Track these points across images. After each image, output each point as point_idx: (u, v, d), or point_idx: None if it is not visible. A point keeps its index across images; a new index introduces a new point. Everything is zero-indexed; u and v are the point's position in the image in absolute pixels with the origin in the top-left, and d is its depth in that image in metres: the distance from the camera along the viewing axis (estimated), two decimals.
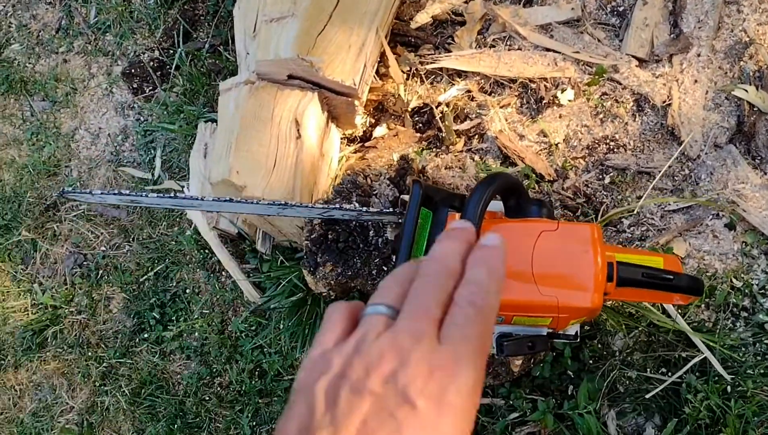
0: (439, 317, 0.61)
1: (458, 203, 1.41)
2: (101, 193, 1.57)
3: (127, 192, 1.54)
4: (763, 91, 2.03)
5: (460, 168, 2.02)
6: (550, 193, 2.03)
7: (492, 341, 0.63)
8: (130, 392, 2.15)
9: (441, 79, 2.24)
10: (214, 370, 2.13)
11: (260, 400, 2.07)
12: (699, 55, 2.11)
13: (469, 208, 1.30)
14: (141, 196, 1.56)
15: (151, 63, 2.53)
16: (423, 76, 2.25)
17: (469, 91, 2.20)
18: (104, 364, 2.19)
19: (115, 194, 1.57)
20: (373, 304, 0.63)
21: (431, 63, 2.23)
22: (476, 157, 2.08)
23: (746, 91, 2.04)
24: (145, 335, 2.20)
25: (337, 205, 1.55)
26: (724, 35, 2.14)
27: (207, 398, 2.11)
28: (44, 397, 2.21)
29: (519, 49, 2.23)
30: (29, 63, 2.70)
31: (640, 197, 2.01)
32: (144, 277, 2.27)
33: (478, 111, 2.16)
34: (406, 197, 1.65)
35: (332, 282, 1.72)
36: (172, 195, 1.54)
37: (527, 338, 1.43)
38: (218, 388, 2.12)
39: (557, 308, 1.34)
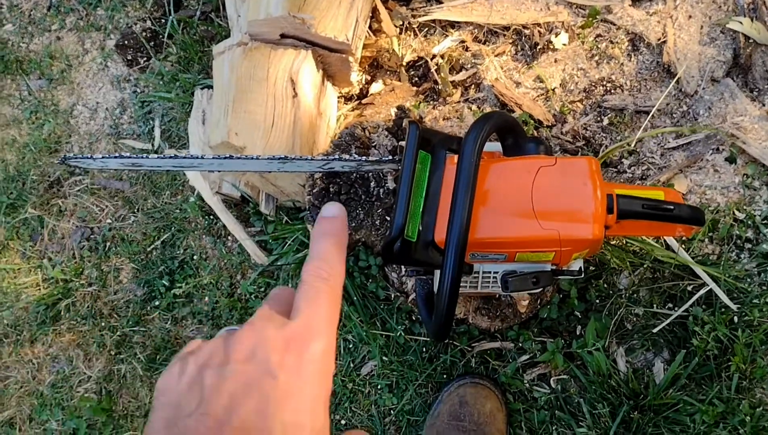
0: (291, 297, 0.67)
1: (455, 145, 1.41)
2: (102, 158, 1.58)
3: (128, 155, 1.56)
4: (758, 22, 2.02)
5: (458, 118, 2.02)
6: (549, 138, 2.03)
7: (342, 308, 0.68)
8: (146, 359, 2.18)
9: (434, 32, 2.24)
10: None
11: None
12: None
13: (467, 148, 1.31)
14: (141, 158, 1.58)
15: (144, 33, 2.53)
16: (416, 29, 2.24)
17: (462, 41, 2.19)
18: (118, 333, 2.22)
19: (116, 158, 1.58)
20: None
21: (423, 15, 2.23)
22: (473, 107, 2.08)
23: (741, 23, 2.03)
24: (156, 303, 2.23)
25: (337, 157, 1.56)
26: None
27: None
28: (62, 369, 2.24)
29: None
30: (23, 42, 2.70)
31: (639, 138, 2.01)
32: (151, 247, 2.29)
33: (473, 61, 2.16)
34: (405, 144, 1.66)
35: None
36: (172, 156, 1.55)
37: (531, 274, 1.44)
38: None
39: (559, 241, 1.35)
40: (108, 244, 2.34)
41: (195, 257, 2.25)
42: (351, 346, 2.02)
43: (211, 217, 2.25)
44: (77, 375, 2.23)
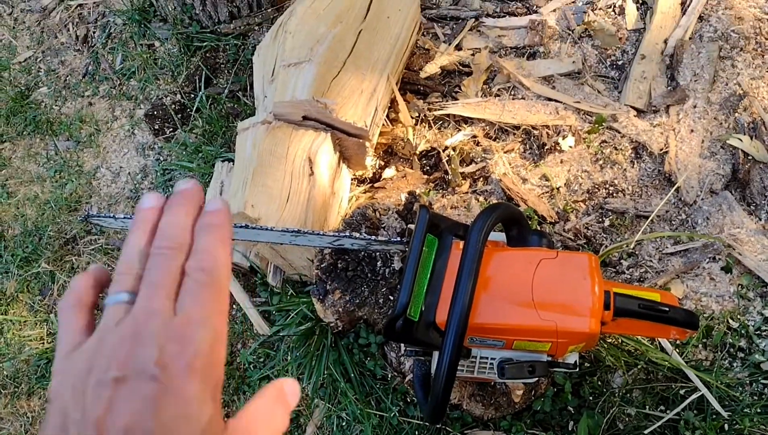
0: (174, 291, 0.64)
1: (462, 232, 1.48)
2: (124, 218, 1.66)
3: None
4: (757, 140, 2.13)
5: (465, 208, 2.11)
6: (552, 234, 2.11)
7: (228, 302, 0.68)
8: None
9: (448, 125, 2.35)
10: (223, 400, 2.17)
11: None
12: (695, 107, 2.22)
13: (473, 235, 1.38)
14: None
15: (173, 106, 2.66)
16: (431, 121, 2.36)
17: (474, 136, 2.30)
18: None
19: None
20: (113, 294, 0.65)
21: (439, 110, 2.35)
22: (481, 199, 2.17)
23: (741, 140, 2.13)
24: None
25: (347, 234, 1.63)
26: (719, 88, 2.25)
27: None
28: None
29: (522, 98, 2.34)
30: (56, 105, 2.83)
31: (639, 241, 2.09)
32: None
33: (483, 155, 2.26)
34: (414, 226, 1.73)
35: (340, 310, 1.79)
36: None
37: (528, 363, 1.48)
38: (226, 419, 2.16)
39: (556, 333, 1.40)
40: None
41: None
42: (344, 423, 2.04)
43: None
44: None
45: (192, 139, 2.56)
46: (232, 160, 2.33)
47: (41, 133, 2.78)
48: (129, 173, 2.62)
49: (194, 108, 2.61)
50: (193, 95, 2.66)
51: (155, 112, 2.67)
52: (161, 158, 2.62)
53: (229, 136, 2.51)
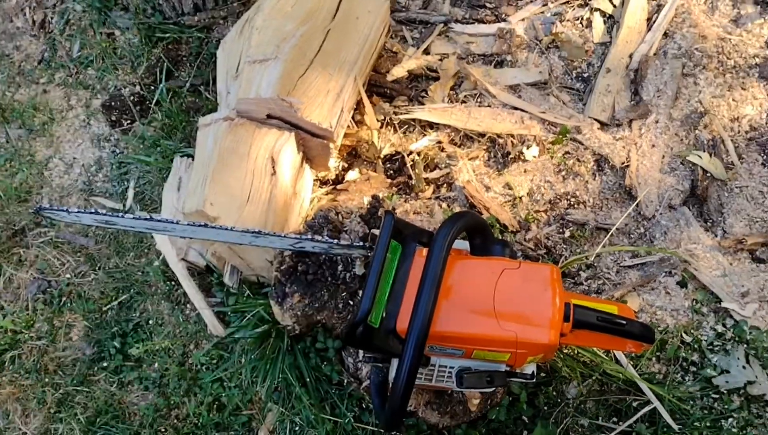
0: None
1: (426, 239, 1.47)
2: (77, 212, 1.60)
3: (103, 211, 1.58)
4: (716, 158, 2.17)
5: (428, 213, 2.09)
6: (513, 243, 2.11)
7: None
8: (85, 420, 2.12)
9: (413, 130, 2.34)
10: (172, 402, 2.12)
11: (216, 434, 2.07)
12: (657, 122, 2.25)
13: (437, 243, 1.37)
14: (116, 217, 1.60)
15: (132, 97, 2.59)
16: (396, 125, 2.34)
17: (439, 142, 2.29)
18: (61, 391, 2.17)
19: (90, 213, 1.60)
20: None
21: (405, 114, 2.33)
22: (444, 205, 2.16)
23: (700, 157, 2.17)
24: (104, 364, 2.19)
25: (309, 237, 1.60)
26: (681, 105, 2.28)
27: (163, 430, 2.10)
28: None
29: (489, 106, 2.34)
30: (9, 91, 2.74)
31: (597, 253, 2.10)
32: (107, 306, 2.27)
33: (447, 161, 2.25)
34: (377, 232, 1.71)
35: (299, 313, 1.76)
36: (147, 217, 1.58)
37: (486, 373, 1.48)
38: (175, 420, 2.11)
39: (516, 343, 1.40)
40: (64, 299, 2.31)
41: (151, 322, 2.23)
42: (297, 428, 2.01)
43: (173, 283, 2.25)
44: (11, 430, 2.15)
45: (150, 133, 2.50)
46: (192, 156, 2.28)
47: None
48: (83, 165, 2.54)
49: (154, 100, 2.55)
50: (153, 87, 2.60)
51: (113, 103, 2.60)
52: (117, 151, 2.55)
53: (189, 130, 2.45)
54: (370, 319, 1.35)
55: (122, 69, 2.68)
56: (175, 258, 2.20)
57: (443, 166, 2.26)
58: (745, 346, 1.95)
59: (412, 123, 2.34)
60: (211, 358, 2.14)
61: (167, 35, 2.64)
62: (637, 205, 2.15)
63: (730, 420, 1.88)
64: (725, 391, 1.91)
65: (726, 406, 1.89)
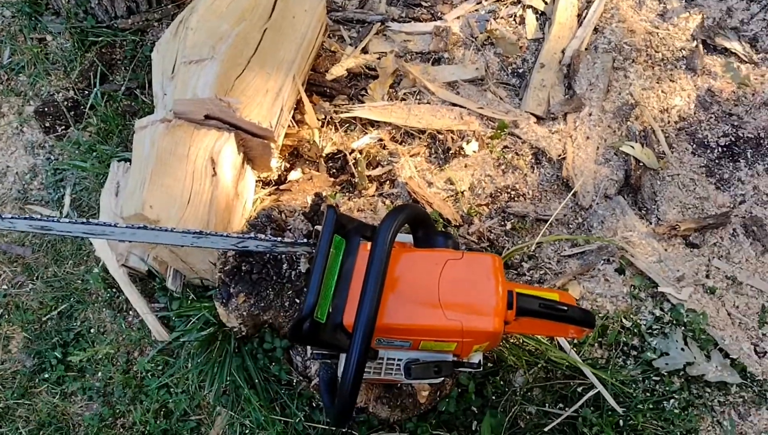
0: None
1: (369, 233, 1.48)
2: (11, 218, 1.55)
3: (38, 217, 1.54)
4: (648, 148, 2.24)
5: (371, 210, 2.10)
6: (457, 237, 2.13)
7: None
8: (27, 434, 2.06)
9: (354, 128, 2.34)
10: (117, 410, 2.07)
11: None
12: (590, 115, 2.31)
13: (380, 236, 1.37)
14: (52, 222, 1.56)
15: (66, 102, 2.52)
16: (337, 124, 2.34)
17: (381, 139, 2.31)
18: (1, 405, 2.10)
19: (25, 219, 1.56)
20: None
21: (345, 112, 2.34)
22: (387, 202, 2.17)
23: (633, 147, 2.23)
24: (46, 375, 2.13)
25: (252, 236, 1.59)
26: (613, 97, 2.35)
27: None
28: None
29: (428, 103, 2.37)
30: None
31: (539, 244, 2.14)
32: (47, 316, 2.21)
33: (389, 159, 2.27)
34: (321, 227, 1.71)
35: (245, 313, 1.74)
36: (84, 221, 1.54)
37: (434, 363, 1.49)
38: (121, 429, 2.06)
39: (462, 332, 1.42)
40: (1, 311, 2.24)
41: (92, 330, 2.18)
42: (248, 431, 1.98)
43: (114, 290, 2.20)
44: None
45: (86, 138, 2.44)
46: (129, 160, 2.24)
47: None
48: (17, 173, 2.47)
49: (88, 105, 2.49)
50: (87, 92, 2.54)
51: (46, 109, 2.53)
52: (52, 157, 2.48)
53: (126, 134, 2.41)
54: (316, 314, 1.35)
55: (55, 74, 2.61)
56: (116, 264, 2.15)
57: (385, 163, 2.27)
58: (683, 328, 2.01)
59: (353, 121, 2.35)
60: (156, 365, 2.10)
61: (100, 39, 2.59)
62: (574, 195, 2.20)
63: (672, 401, 1.94)
64: (666, 373, 1.97)
65: (667, 388, 1.95)
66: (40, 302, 2.24)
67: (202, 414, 2.05)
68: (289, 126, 2.27)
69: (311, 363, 1.81)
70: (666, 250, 2.14)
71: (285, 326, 1.81)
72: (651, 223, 2.18)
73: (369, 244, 1.43)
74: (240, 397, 1.97)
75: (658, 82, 2.37)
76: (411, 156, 2.28)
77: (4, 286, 2.27)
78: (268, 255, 1.76)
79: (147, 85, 2.50)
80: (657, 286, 2.08)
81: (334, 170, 2.31)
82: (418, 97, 2.39)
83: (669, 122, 2.31)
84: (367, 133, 2.33)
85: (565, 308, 1.54)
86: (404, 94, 2.41)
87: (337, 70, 2.43)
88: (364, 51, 2.51)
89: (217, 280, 1.80)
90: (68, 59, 2.61)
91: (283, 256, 1.77)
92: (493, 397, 1.96)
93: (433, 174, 2.26)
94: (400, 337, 1.43)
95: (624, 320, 2.05)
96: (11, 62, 2.68)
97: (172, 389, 2.07)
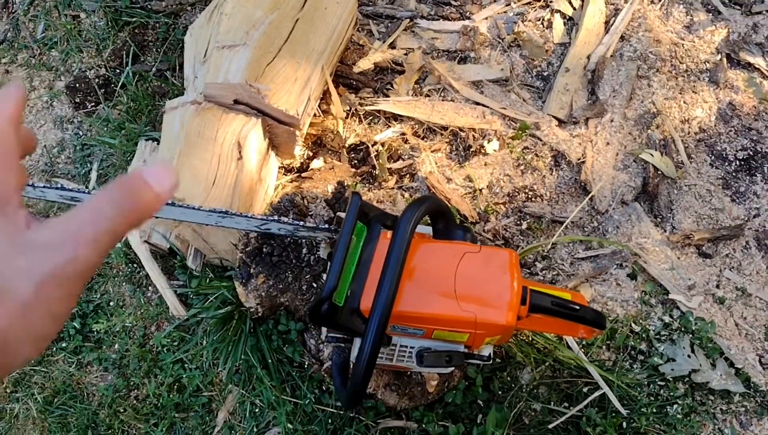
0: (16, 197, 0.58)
1: (390, 222, 1.52)
2: (43, 187, 1.60)
3: (69, 188, 1.58)
4: (667, 157, 2.26)
5: (391, 202, 2.14)
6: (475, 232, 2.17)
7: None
8: (43, 400, 2.12)
9: (378, 121, 2.38)
10: (132, 383, 2.13)
11: (176, 415, 2.08)
12: (612, 121, 2.33)
13: (401, 225, 1.41)
14: (82, 193, 1.60)
15: (97, 80, 2.58)
16: (361, 116, 2.38)
17: (403, 133, 2.34)
18: (18, 371, 2.16)
19: (56, 189, 1.60)
20: None
21: (370, 105, 2.38)
22: (406, 195, 2.21)
23: (652, 155, 2.26)
24: (63, 344, 2.19)
25: (275, 218, 1.63)
26: (635, 105, 2.37)
27: (122, 410, 2.10)
28: None
29: (452, 100, 2.40)
30: None
31: (553, 245, 2.18)
32: None
33: (410, 153, 2.31)
34: (343, 214, 1.75)
35: (263, 294, 1.79)
36: None
37: (445, 353, 1.53)
38: (134, 401, 2.12)
39: (475, 324, 1.46)
40: None
41: (111, 303, 2.23)
42: (257, 410, 2.03)
43: (135, 265, 2.25)
44: None
45: (115, 116, 2.49)
46: (157, 140, 2.29)
47: None
48: (45, 146, 2.53)
49: (119, 84, 2.54)
50: (118, 71, 2.59)
51: (77, 85, 2.59)
52: (81, 133, 2.53)
53: (155, 115, 2.46)
54: (334, 297, 1.39)
55: (87, 51, 2.67)
56: (138, 240, 2.21)
57: (406, 157, 2.31)
58: (691, 336, 2.04)
59: (377, 114, 2.39)
60: (172, 340, 2.15)
61: (134, 19, 2.64)
62: (591, 199, 2.23)
63: (675, 406, 1.97)
64: (671, 379, 2.00)
65: (671, 393, 1.98)
66: None
67: (214, 390, 2.10)
68: (314, 115, 2.31)
69: (324, 346, 1.85)
70: (679, 258, 2.16)
71: (301, 309, 1.85)
72: (665, 231, 2.21)
73: (389, 232, 1.47)
74: (252, 377, 2.02)
75: (680, 93, 2.39)
76: (432, 151, 2.32)
77: None
78: (289, 238, 1.81)
79: (177, 68, 2.55)
80: (668, 293, 2.11)
81: (356, 161, 2.35)
82: (442, 94, 2.43)
83: (689, 133, 2.34)
84: (390, 126, 2.37)
85: (578, 308, 1.57)
86: (429, 90, 2.44)
87: (365, 64, 2.47)
88: (392, 46, 2.55)
89: (238, 260, 1.84)
90: (101, 37, 2.66)
91: (304, 240, 1.81)
92: (500, 392, 1.99)
93: (452, 170, 2.29)
94: (414, 324, 1.47)
95: (633, 325, 2.08)
96: (44, 37, 2.74)
97: (186, 365, 2.12)
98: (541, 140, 2.33)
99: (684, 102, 2.38)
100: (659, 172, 2.25)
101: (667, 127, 2.32)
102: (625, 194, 2.25)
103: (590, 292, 2.13)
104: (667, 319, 2.08)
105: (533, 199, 2.26)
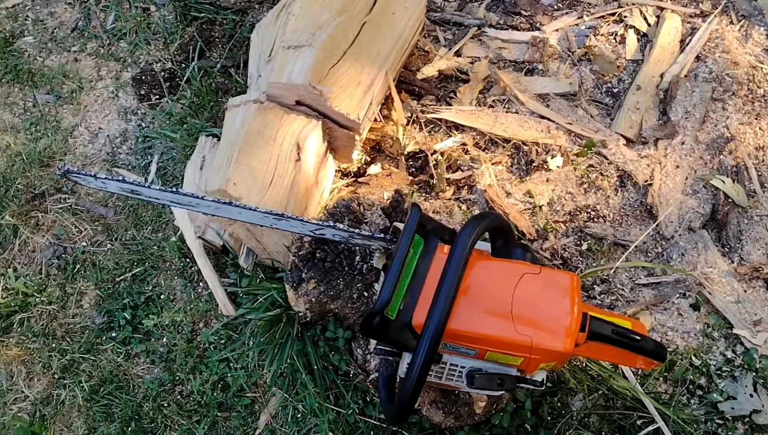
0: None
1: (448, 236, 1.47)
2: (105, 178, 1.61)
3: (130, 180, 1.59)
4: (739, 184, 2.16)
5: (447, 213, 2.10)
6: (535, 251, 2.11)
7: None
8: (89, 389, 2.13)
9: (439, 130, 2.34)
10: (177, 377, 2.13)
11: (219, 414, 2.07)
12: (683, 143, 2.24)
13: (460, 241, 1.37)
14: (142, 187, 1.61)
15: (163, 73, 2.60)
16: (422, 123, 2.34)
17: (464, 144, 2.29)
18: (67, 357, 2.18)
19: (117, 181, 1.61)
20: None
21: (432, 113, 2.34)
22: (463, 207, 2.16)
23: (723, 182, 2.16)
24: (113, 334, 2.20)
25: (331, 224, 1.60)
26: (708, 128, 2.28)
27: (166, 404, 2.10)
28: (0, 382, 2.18)
29: (516, 112, 2.34)
30: (40, 56, 2.76)
31: (614, 269, 2.10)
32: (120, 278, 2.28)
33: (470, 164, 2.26)
34: (399, 225, 1.71)
35: (313, 300, 1.76)
36: (173, 190, 1.59)
37: (497, 375, 1.48)
38: (178, 396, 2.12)
39: (531, 348, 1.40)
40: (78, 266, 2.32)
41: (162, 296, 2.24)
42: (299, 415, 2.01)
43: (188, 260, 2.26)
44: (14, 392, 2.17)
45: (178, 110, 2.51)
46: (217, 136, 2.29)
47: (21, 82, 2.70)
48: (108, 135, 2.56)
49: (184, 78, 2.56)
50: (184, 65, 2.61)
51: (143, 77, 2.61)
52: (143, 124, 2.56)
53: (217, 111, 2.46)
54: (387, 310, 1.35)
55: (155, 44, 2.70)
56: (193, 235, 2.21)
57: (466, 168, 2.26)
58: (754, 374, 1.94)
59: (438, 123, 2.35)
60: (219, 338, 2.14)
61: (202, 15, 2.66)
62: (656, 224, 2.15)
63: None
64: (730, 418, 1.91)
65: (730, 433, 1.89)
66: (116, 263, 2.31)
67: (257, 392, 2.09)
68: (374, 120, 2.28)
69: (372, 357, 1.82)
70: (746, 291, 2.06)
71: (350, 317, 1.82)
72: (733, 262, 2.11)
73: (446, 246, 1.43)
74: (296, 381, 1.99)
75: (756, 118, 2.29)
76: (493, 164, 2.26)
77: (84, 243, 2.36)
78: (343, 245, 1.78)
79: (242, 65, 2.55)
80: (732, 328, 2.01)
81: (414, 169, 2.31)
82: (506, 106, 2.37)
83: (763, 161, 2.23)
84: (451, 135, 2.32)
85: (639, 338, 1.50)
86: (493, 101, 2.39)
87: (429, 70, 2.43)
88: (458, 54, 2.50)
89: (290, 264, 1.82)
90: (169, 31, 2.69)
91: (358, 248, 1.78)
92: (549, 418, 1.92)
93: (512, 184, 2.23)
94: (467, 344, 1.42)
95: (693, 358, 1.99)
96: (114, 28, 2.78)
97: (231, 364, 2.11)
98: (607, 159, 2.25)
99: (760, 128, 2.27)
100: (730, 200, 2.15)
101: (740, 153, 2.21)
102: (692, 220, 2.16)
103: (650, 321, 2.05)
104: (729, 354, 1.99)
105: (595, 219, 2.19)
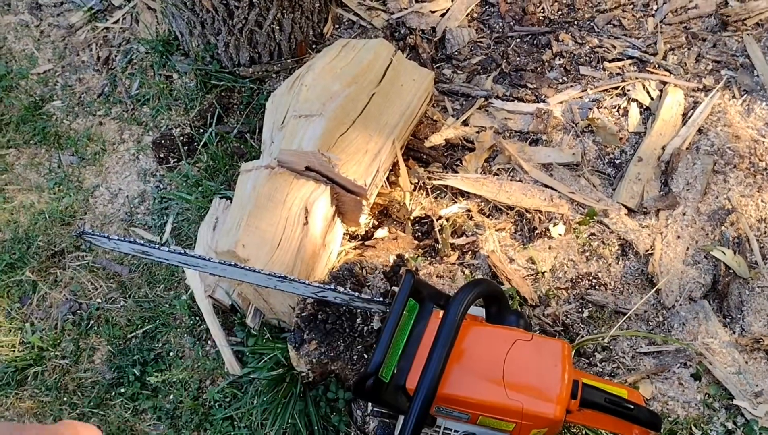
0: None
1: (443, 301, 1.52)
2: (117, 240, 1.69)
3: (142, 242, 1.67)
4: (740, 256, 2.19)
5: (450, 278, 2.15)
6: (531, 317, 2.14)
7: None
8: None
9: (445, 196, 2.41)
10: (182, 434, 2.16)
11: None
12: (684, 214, 2.29)
13: (453, 307, 1.42)
14: (153, 248, 1.69)
15: (182, 137, 2.71)
16: (429, 190, 2.41)
17: (469, 210, 2.36)
18: (77, 411, 2.23)
19: (129, 242, 1.69)
20: None
21: (438, 179, 2.41)
22: (467, 271, 2.21)
23: (724, 253, 2.19)
24: (122, 390, 2.25)
25: (332, 287, 1.66)
26: (710, 200, 2.32)
27: None
28: None
29: (520, 181, 2.41)
30: (67, 120, 2.89)
31: (614, 336, 2.12)
32: (132, 334, 2.35)
33: (474, 230, 2.31)
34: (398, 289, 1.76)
35: (314, 360, 1.81)
36: (181, 252, 1.66)
37: None
38: None
39: (521, 414, 1.43)
40: (92, 322, 2.39)
41: (171, 353, 2.30)
42: None
43: (197, 318, 2.32)
44: None
45: (194, 172, 2.61)
46: (230, 198, 2.38)
47: (47, 144, 2.82)
48: (127, 196, 2.66)
49: (202, 142, 2.67)
50: (202, 130, 2.73)
51: (163, 141, 2.73)
52: (161, 186, 2.66)
53: (231, 174, 2.56)
54: (381, 373, 1.39)
55: (176, 110, 2.82)
56: (203, 294, 2.27)
57: (470, 233, 2.32)
58: None
59: (444, 189, 2.42)
60: (224, 396, 2.18)
61: (222, 83, 2.79)
62: (657, 292, 2.18)
63: None
64: None
65: None
66: (128, 320, 2.38)
67: None
68: (382, 186, 2.36)
69: (370, 419, 1.85)
70: (747, 362, 2.07)
71: (351, 378, 1.86)
72: (734, 333, 2.12)
73: (441, 312, 1.48)
74: None
75: (758, 191, 2.33)
76: (496, 230, 2.32)
77: (99, 300, 2.43)
78: (344, 307, 1.83)
79: (257, 131, 2.66)
80: (732, 398, 2.01)
81: (420, 234, 2.37)
82: (511, 174, 2.44)
83: (765, 233, 2.26)
84: (456, 202, 2.39)
85: (632, 407, 1.52)
86: (498, 169, 2.46)
87: (436, 139, 2.52)
88: (465, 123, 2.59)
89: (293, 324, 1.87)
90: (190, 98, 2.81)
91: (359, 310, 1.83)
92: None
93: (515, 251, 2.28)
94: (459, 408, 1.45)
95: (694, 428, 1.99)
96: (138, 94, 2.91)
97: (235, 422, 2.15)
98: (608, 228, 2.30)
99: (762, 200, 2.31)
100: (731, 271, 2.18)
101: (742, 225, 2.25)
102: (693, 291, 2.18)
103: (651, 390, 2.06)
104: (730, 425, 1.98)
105: (597, 287, 2.22)
